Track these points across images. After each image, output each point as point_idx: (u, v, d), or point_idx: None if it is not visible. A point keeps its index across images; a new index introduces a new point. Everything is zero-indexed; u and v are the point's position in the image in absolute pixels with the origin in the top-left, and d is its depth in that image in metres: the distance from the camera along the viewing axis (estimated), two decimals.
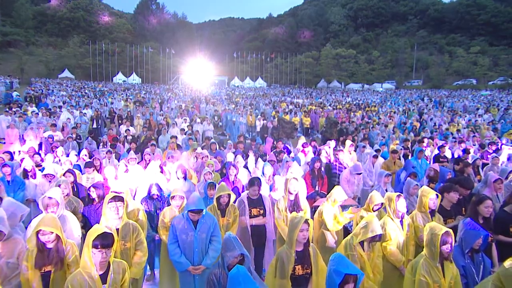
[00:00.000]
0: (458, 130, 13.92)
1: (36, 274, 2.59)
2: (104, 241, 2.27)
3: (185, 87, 45.91)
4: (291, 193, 4.03)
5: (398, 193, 3.62)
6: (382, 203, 3.82)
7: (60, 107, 16.49)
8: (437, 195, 3.67)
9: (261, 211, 4.07)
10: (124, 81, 54.85)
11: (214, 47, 78.25)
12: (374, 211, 3.93)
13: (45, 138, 9.32)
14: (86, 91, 31.54)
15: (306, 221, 2.81)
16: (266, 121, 14.84)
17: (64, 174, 4.77)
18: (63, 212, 3.27)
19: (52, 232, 2.57)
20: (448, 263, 2.69)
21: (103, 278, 2.33)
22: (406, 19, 77.52)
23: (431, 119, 17.41)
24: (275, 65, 67.78)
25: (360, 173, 5.89)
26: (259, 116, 15.48)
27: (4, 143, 10.49)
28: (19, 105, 16.88)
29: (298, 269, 2.81)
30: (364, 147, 8.33)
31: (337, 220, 3.95)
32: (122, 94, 29.21)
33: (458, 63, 57.29)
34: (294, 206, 4.02)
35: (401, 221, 3.53)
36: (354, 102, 29.73)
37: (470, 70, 54.95)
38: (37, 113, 13.09)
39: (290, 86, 59.76)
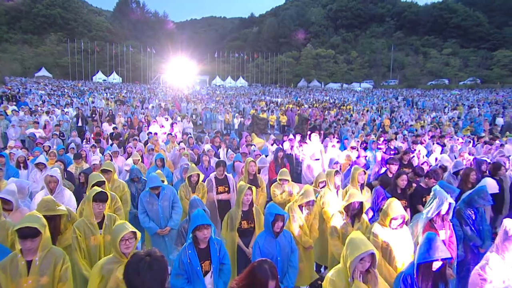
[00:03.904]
0: (422, 126, 15.13)
1: None
2: (101, 196, 3.10)
3: (166, 86, 46.00)
4: (250, 173, 4.86)
5: (336, 170, 4.51)
6: (325, 181, 4.70)
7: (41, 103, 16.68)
8: (364, 171, 4.59)
9: (226, 189, 4.90)
10: (104, 80, 54.25)
11: (195, 46, 78.25)
12: (320, 187, 4.83)
13: (28, 135, 9.77)
14: (66, 90, 31.34)
15: (250, 188, 3.67)
16: (243, 118, 15.65)
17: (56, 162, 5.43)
18: (62, 187, 3.95)
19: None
20: (356, 220, 3.62)
21: (99, 225, 3.15)
22: (383, 20, 79.97)
23: (401, 117, 18.68)
24: (256, 65, 68.70)
25: (318, 159, 6.80)
26: (236, 114, 16.25)
27: None
28: None
29: (244, 224, 3.68)
30: (327, 138, 9.34)
31: (280, 196, 4.82)
32: (102, 93, 29.26)
33: (431, 63, 59.88)
34: (253, 183, 4.83)
35: (337, 192, 4.44)
36: (331, 101, 30.95)
37: (442, 70, 57.61)
38: (18, 111, 13.33)
39: (271, 86, 60.76)
